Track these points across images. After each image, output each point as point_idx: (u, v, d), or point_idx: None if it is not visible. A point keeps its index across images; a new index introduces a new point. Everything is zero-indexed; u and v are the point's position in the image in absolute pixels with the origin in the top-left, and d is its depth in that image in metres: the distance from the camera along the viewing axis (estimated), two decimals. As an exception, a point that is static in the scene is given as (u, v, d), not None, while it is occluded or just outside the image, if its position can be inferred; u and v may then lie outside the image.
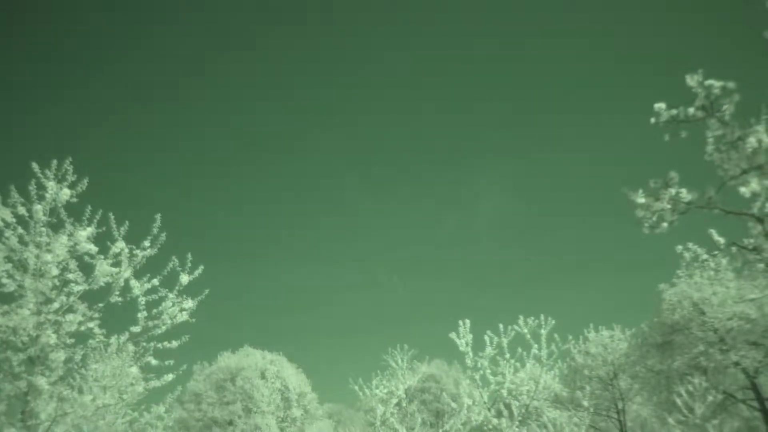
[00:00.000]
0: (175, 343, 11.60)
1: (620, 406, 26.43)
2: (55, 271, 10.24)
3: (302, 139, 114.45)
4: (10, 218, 10.16)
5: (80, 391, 10.58)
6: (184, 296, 11.61)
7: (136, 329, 11.10)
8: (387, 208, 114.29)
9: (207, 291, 12.00)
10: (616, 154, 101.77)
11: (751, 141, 5.69)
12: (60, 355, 10.09)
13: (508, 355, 20.50)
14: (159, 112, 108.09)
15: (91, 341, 10.69)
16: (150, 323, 11.17)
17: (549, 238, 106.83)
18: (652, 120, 5.94)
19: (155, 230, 11.20)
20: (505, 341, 20.49)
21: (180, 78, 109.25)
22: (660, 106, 5.89)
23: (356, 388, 27.72)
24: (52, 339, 9.96)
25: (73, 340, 10.48)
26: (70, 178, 10.61)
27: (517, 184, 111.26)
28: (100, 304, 10.71)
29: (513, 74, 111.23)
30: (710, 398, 19.62)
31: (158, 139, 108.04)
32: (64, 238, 10.31)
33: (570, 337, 22.58)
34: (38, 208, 10.31)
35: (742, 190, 5.88)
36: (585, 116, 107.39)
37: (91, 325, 10.56)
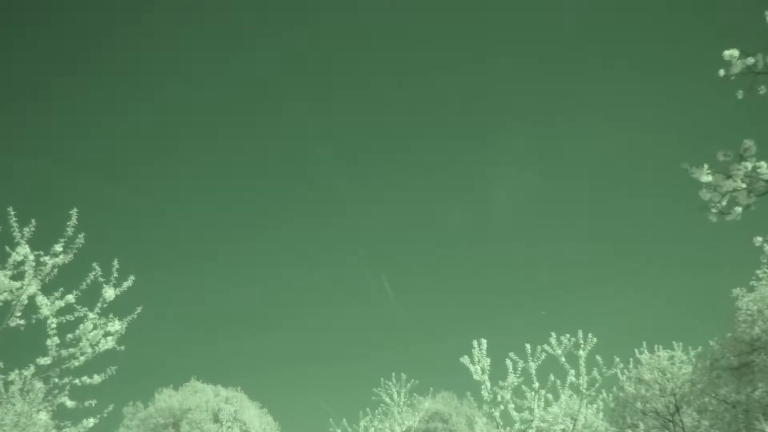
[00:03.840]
0: (97, 378, 11.54)
1: (684, 448, 26.61)
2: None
3: (266, 111, 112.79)
4: None
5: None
6: (110, 316, 11.55)
7: (45, 361, 11.02)
8: (377, 199, 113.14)
9: (140, 309, 11.96)
10: (674, 121, 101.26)
11: None
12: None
13: (536, 385, 20.61)
14: (69, 80, 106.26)
15: (-16, 379, 10.61)
16: (64, 353, 11.09)
17: (586, 232, 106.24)
18: (721, 72, 5.91)
19: (70, 230, 11.11)
20: (532, 366, 20.58)
21: (105, 38, 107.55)
22: (732, 53, 5.86)
23: (339, 431, 27.77)
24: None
25: (-40, 378, 10.40)
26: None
27: (545, 162, 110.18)
28: (-4, 330, 10.63)
29: (537, 21, 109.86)
30: (802, 436, 19.75)
31: (73, 116, 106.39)
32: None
33: (617, 360, 22.69)
34: None
35: (840, 162, 5.88)
36: (633, 71, 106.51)
37: (-16, 357, 10.49)
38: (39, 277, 10.93)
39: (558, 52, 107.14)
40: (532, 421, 20.30)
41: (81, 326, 11.23)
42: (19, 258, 10.75)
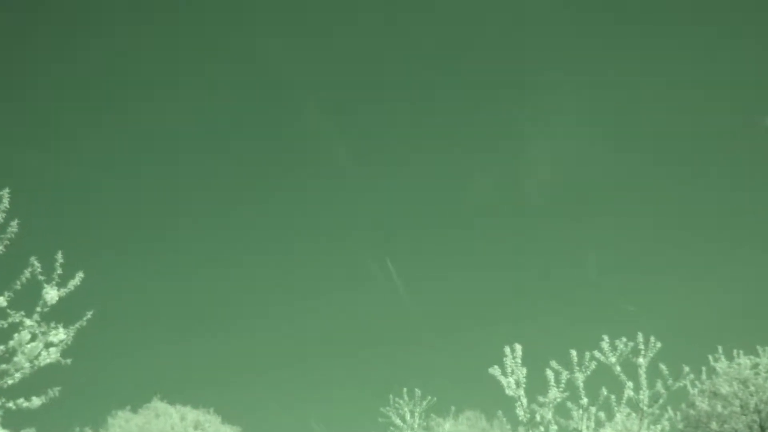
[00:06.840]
0: (37, 401, 11.61)
1: (771, 478, 26.71)
2: None
3: (233, 58, 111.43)
4: None
5: None
6: (53, 323, 11.59)
7: (-28, 379, 11.11)
8: (380, 162, 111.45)
9: (90, 313, 11.99)
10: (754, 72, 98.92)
11: None
12: None
13: (585, 401, 20.68)
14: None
15: None
16: (-5, 369, 11.18)
17: (648, 208, 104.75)
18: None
19: (0, 216, 11.15)
20: (580, 378, 20.64)
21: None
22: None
23: (339, 461, 28.03)
24: None
25: None
26: None
27: (595, 118, 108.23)
28: None
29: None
30: None
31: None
32: None
33: (686, 369, 22.74)
34: None
35: None
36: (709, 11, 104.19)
37: None
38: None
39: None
40: (580, 446, 20.41)
41: (16, 336, 11.28)
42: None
